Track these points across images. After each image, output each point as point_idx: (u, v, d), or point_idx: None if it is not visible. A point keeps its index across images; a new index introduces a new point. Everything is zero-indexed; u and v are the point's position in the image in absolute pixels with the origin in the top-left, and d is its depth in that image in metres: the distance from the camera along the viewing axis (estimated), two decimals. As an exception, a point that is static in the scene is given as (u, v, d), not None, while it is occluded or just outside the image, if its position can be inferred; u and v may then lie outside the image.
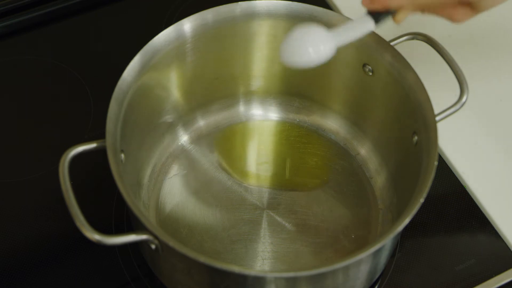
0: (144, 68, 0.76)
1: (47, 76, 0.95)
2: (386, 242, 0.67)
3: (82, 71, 0.94)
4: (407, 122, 0.76)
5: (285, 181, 0.84)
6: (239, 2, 0.79)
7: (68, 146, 0.70)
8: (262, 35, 0.82)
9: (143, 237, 0.66)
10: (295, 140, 0.87)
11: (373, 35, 0.78)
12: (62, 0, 1.00)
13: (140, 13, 1.02)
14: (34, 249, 0.80)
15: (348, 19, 0.79)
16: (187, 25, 0.78)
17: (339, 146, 0.86)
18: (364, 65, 0.80)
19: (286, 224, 0.80)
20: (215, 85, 0.85)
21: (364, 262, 0.70)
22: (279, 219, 0.80)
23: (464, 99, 0.76)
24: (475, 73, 0.92)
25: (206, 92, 0.85)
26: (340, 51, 0.81)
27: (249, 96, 0.88)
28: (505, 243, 0.81)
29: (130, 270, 0.79)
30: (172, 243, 0.64)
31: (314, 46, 0.70)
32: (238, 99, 0.88)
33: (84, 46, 0.98)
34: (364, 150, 0.85)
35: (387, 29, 0.81)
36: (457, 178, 0.86)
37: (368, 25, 0.70)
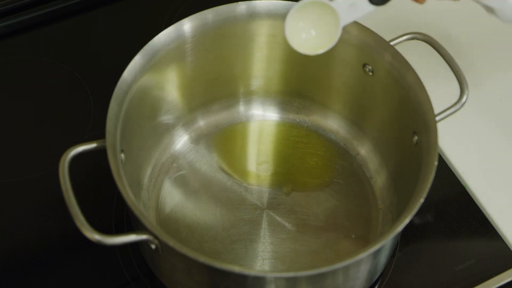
0: (144, 68, 0.76)
1: (47, 76, 0.95)
2: (386, 242, 0.67)
3: (82, 71, 0.94)
4: (407, 122, 0.76)
5: (285, 181, 0.84)
6: (239, 2, 0.79)
7: (68, 146, 0.70)
8: (262, 35, 0.82)
9: (143, 237, 0.66)
10: (295, 140, 0.87)
11: (373, 35, 0.78)
12: (62, 0, 1.00)
13: (140, 13, 1.02)
14: (34, 249, 0.80)
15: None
16: (187, 25, 0.78)
17: (339, 146, 0.86)
18: (364, 65, 0.80)
19: (286, 224, 0.80)
20: (215, 85, 0.85)
21: (364, 262, 0.70)
22: (279, 219, 0.80)
23: (464, 99, 0.76)
24: (475, 73, 0.92)
25: (206, 92, 0.85)
26: (340, 51, 0.81)
27: (249, 96, 0.88)
28: (505, 243, 0.81)
29: (130, 270, 0.79)
30: (172, 243, 0.64)
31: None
32: (238, 99, 0.88)
33: (84, 46, 0.98)
34: (364, 150, 0.85)
35: (387, 29, 0.82)
36: (457, 178, 0.86)
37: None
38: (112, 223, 0.81)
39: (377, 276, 0.76)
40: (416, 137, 0.75)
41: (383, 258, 0.74)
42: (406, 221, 0.66)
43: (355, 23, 0.79)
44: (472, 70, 0.91)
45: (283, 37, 0.82)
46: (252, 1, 0.79)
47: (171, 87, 0.82)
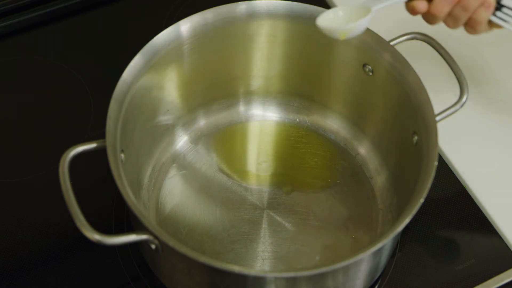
0: (144, 68, 0.76)
1: (47, 76, 0.95)
2: (386, 242, 0.67)
3: (82, 71, 0.95)
4: (407, 122, 0.76)
5: (285, 181, 0.84)
6: (239, 2, 0.79)
7: (68, 146, 0.70)
8: (262, 35, 0.82)
9: (143, 237, 0.66)
10: (295, 140, 0.87)
11: (373, 35, 0.78)
12: (62, 0, 1.00)
13: (140, 13, 1.02)
14: (34, 249, 0.80)
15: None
16: (187, 25, 0.78)
17: (339, 146, 0.86)
18: (364, 65, 0.80)
19: (286, 224, 0.80)
20: (215, 85, 0.85)
21: (364, 262, 0.70)
22: (279, 219, 0.80)
23: (464, 99, 0.76)
24: (475, 73, 0.92)
25: (206, 92, 0.85)
26: (340, 51, 0.81)
27: (249, 96, 0.88)
28: (505, 243, 0.82)
29: (130, 270, 0.79)
30: (172, 243, 0.64)
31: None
32: (238, 99, 0.88)
33: (84, 46, 0.98)
34: (364, 150, 0.85)
35: (387, 29, 0.82)
36: (457, 178, 0.86)
37: None
38: (112, 223, 0.81)
39: (377, 276, 0.76)
40: (416, 137, 0.75)
41: (383, 258, 0.74)
42: (406, 221, 0.66)
43: (355, 23, 0.79)
44: (472, 70, 0.91)
45: (283, 37, 0.82)
46: (252, 1, 0.79)
47: (171, 87, 0.82)
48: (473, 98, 0.83)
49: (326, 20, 0.73)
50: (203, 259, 0.64)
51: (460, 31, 0.97)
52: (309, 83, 0.86)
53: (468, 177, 0.86)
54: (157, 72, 0.78)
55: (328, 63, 0.83)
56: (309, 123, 0.88)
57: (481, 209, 0.84)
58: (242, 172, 0.84)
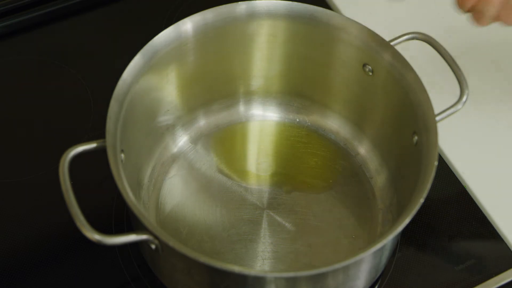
0: (144, 68, 0.76)
1: (47, 76, 0.95)
2: (386, 242, 0.67)
3: (82, 71, 0.94)
4: (407, 122, 0.76)
5: (285, 181, 0.84)
6: (239, 2, 0.79)
7: (68, 146, 0.70)
8: (262, 35, 0.82)
9: (143, 237, 0.66)
10: (295, 140, 0.87)
11: (373, 35, 0.78)
12: (62, 0, 1.00)
13: (140, 13, 1.02)
14: (34, 249, 0.80)
15: (348, 19, 0.79)
16: (187, 25, 0.78)
17: (339, 146, 0.86)
18: (364, 65, 0.80)
19: (286, 224, 0.80)
20: (215, 85, 0.85)
21: (364, 262, 0.70)
22: (279, 219, 0.80)
23: (464, 99, 0.76)
24: (475, 73, 0.92)
25: (206, 92, 0.85)
26: (340, 51, 0.81)
27: (249, 96, 0.88)
28: (505, 243, 0.82)
29: (130, 270, 0.79)
30: (172, 243, 0.64)
31: None
32: (238, 99, 0.88)
33: (84, 46, 0.98)
34: (364, 150, 0.85)
35: (387, 29, 0.82)
36: (457, 178, 0.86)
37: None
38: (112, 223, 0.81)
39: (377, 276, 0.76)
40: (416, 137, 0.75)
41: (383, 258, 0.74)
42: (406, 221, 0.66)
43: (355, 23, 0.79)
44: (472, 70, 0.91)
45: (283, 37, 0.82)
46: (252, 1, 0.79)
47: (171, 87, 0.82)
48: (473, 98, 0.83)
49: None
50: (203, 259, 0.64)
51: (460, 31, 0.97)
52: (309, 83, 0.86)
53: (468, 177, 0.86)
54: (157, 72, 0.78)
55: (328, 63, 0.83)
56: (309, 123, 0.88)
57: (481, 209, 0.84)
58: (242, 172, 0.84)
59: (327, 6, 1.00)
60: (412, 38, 0.80)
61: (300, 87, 0.87)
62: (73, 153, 0.69)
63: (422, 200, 0.67)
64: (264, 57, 0.84)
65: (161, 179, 0.83)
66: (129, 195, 0.67)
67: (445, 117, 0.76)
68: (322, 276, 0.67)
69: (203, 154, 0.86)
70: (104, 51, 0.97)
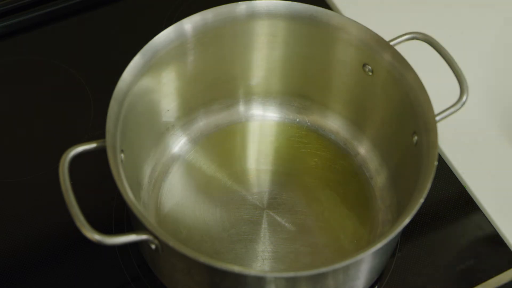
0: (144, 68, 0.76)
1: (47, 76, 0.95)
2: (386, 242, 0.67)
3: (82, 71, 0.94)
4: (407, 122, 0.76)
5: (285, 181, 0.84)
6: (239, 2, 0.79)
7: (68, 146, 0.70)
8: (262, 35, 0.82)
9: (143, 237, 0.66)
10: (295, 140, 0.87)
11: (373, 35, 0.78)
12: (62, 0, 1.00)
13: (140, 13, 1.02)
14: (34, 249, 0.80)
15: (348, 19, 0.79)
16: (187, 25, 0.78)
17: (339, 146, 0.86)
18: (364, 65, 0.80)
19: (286, 224, 0.80)
20: (215, 85, 0.85)
21: (364, 262, 0.70)
22: (279, 219, 0.80)
23: (464, 99, 0.76)
24: (475, 73, 0.92)
25: (206, 92, 0.85)
26: (340, 51, 0.81)
27: (249, 96, 0.88)
28: (505, 243, 0.82)
29: (130, 270, 0.79)
30: (172, 243, 0.64)
31: None
32: (238, 99, 0.88)
33: (84, 46, 0.98)
34: (364, 150, 0.85)
35: (387, 29, 0.82)
36: (457, 178, 0.86)
37: None
38: (112, 223, 0.81)
39: (377, 276, 0.76)
40: (416, 137, 0.75)
41: (383, 258, 0.74)
42: (406, 221, 0.66)
43: (355, 23, 0.79)
44: (472, 70, 0.91)
45: (283, 37, 0.82)
46: (252, 1, 0.79)
47: (171, 87, 0.82)
48: (473, 98, 0.83)
49: None
50: (203, 259, 0.64)
51: (460, 31, 0.97)
52: (309, 83, 0.86)
53: (468, 177, 0.86)
54: (157, 72, 0.78)
55: (328, 63, 0.83)
56: (309, 123, 0.88)
57: (481, 209, 0.84)
58: (242, 172, 0.84)
59: (327, 6, 1.00)
60: (412, 38, 0.80)
61: (300, 87, 0.87)
62: (73, 153, 0.69)
63: (422, 200, 0.67)
64: (264, 57, 0.84)
65: (161, 179, 0.83)
66: (129, 195, 0.67)
67: (445, 117, 0.76)
68: (322, 276, 0.67)
69: (203, 154, 0.86)
70: (104, 51, 0.97)
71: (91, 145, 0.70)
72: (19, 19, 0.99)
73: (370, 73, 0.80)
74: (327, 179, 0.84)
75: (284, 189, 0.83)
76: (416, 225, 0.82)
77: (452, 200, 0.85)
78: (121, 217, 0.82)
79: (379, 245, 0.66)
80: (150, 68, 0.76)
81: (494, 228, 0.83)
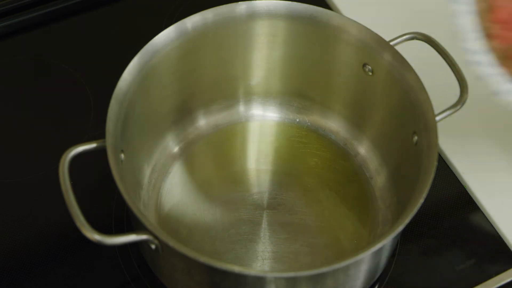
0: (144, 68, 0.76)
1: (47, 76, 0.95)
2: (386, 242, 0.67)
3: (82, 71, 0.94)
4: (407, 122, 0.76)
5: (285, 181, 0.84)
6: (239, 2, 0.79)
7: (68, 146, 0.70)
8: (262, 35, 0.82)
9: (143, 237, 0.66)
10: (295, 140, 0.87)
11: (373, 35, 0.78)
12: (62, 0, 1.00)
13: (140, 13, 1.02)
14: (34, 249, 0.80)
15: (348, 19, 0.79)
16: (187, 25, 0.78)
17: (339, 146, 0.86)
18: (364, 65, 0.80)
19: (286, 224, 0.80)
20: (215, 85, 0.85)
21: (364, 262, 0.70)
22: (279, 219, 0.80)
23: (464, 99, 0.76)
24: (475, 73, 0.92)
25: (206, 92, 0.85)
26: (340, 51, 0.81)
27: (249, 96, 0.88)
28: (505, 243, 0.82)
29: (130, 270, 0.79)
30: (172, 243, 0.64)
31: None
32: (238, 99, 0.88)
33: (84, 46, 0.98)
34: (364, 150, 0.85)
35: (387, 29, 0.82)
36: (457, 178, 0.86)
37: None
38: (112, 223, 0.81)
39: (377, 276, 0.76)
40: (416, 137, 0.75)
41: (383, 258, 0.74)
42: (406, 221, 0.66)
43: (355, 23, 0.79)
44: (472, 70, 0.91)
45: (283, 37, 0.82)
46: (252, 1, 0.79)
47: (171, 87, 0.82)
48: (473, 98, 0.83)
49: None
50: (203, 259, 0.64)
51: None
52: (309, 83, 0.86)
53: (468, 177, 0.86)
54: (157, 72, 0.78)
55: (328, 63, 0.83)
56: (309, 123, 0.88)
57: (481, 209, 0.84)
58: (242, 172, 0.84)
59: (327, 6, 1.00)
60: (412, 38, 0.80)
61: (300, 87, 0.87)
62: (73, 153, 0.69)
63: (422, 200, 0.67)
64: (264, 57, 0.84)
65: (161, 179, 0.83)
66: (129, 195, 0.67)
67: (445, 117, 0.76)
68: (322, 276, 0.67)
69: (203, 154, 0.86)
70: (104, 51, 0.97)
71: (91, 145, 0.70)
72: (19, 19, 0.99)
73: (370, 73, 0.80)
74: (327, 179, 0.84)
75: (284, 189, 0.83)
76: (416, 225, 0.82)
77: (452, 200, 0.85)
78: (121, 217, 0.82)
79: (379, 245, 0.66)
80: (150, 68, 0.76)
81: (494, 228, 0.82)
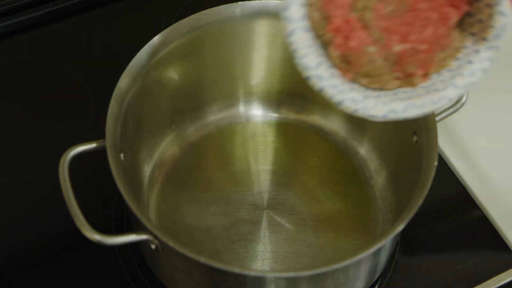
0: (144, 68, 0.76)
1: (47, 76, 0.95)
2: (386, 242, 0.67)
3: (82, 71, 0.94)
4: (407, 122, 0.76)
5: (285, 181, 0.84)
6: (239, 2, 0.79)
7: (68, 146, 0.70)
8: (262, 35, 0.82)
9: (143, 237, 0.66)
10: (295, 140, 0.87)
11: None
12: (62, 0, 1.00)
13: (140, 13, 1.02)
14: (34, 249, 0.80)
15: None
16: (187, 25, 0.78)
17: (339, 146, 0.86)
18: (364, 65, 0.80)
19: (286, 224, 0.80)
20: (215, 85, 0.85)
21: (364, 262, 0.70)
22: (279, 219, 0.80)
23: (464, 99, 0.76)
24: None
25: (206, 92, 0.85)
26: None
27: (249, 96, 0.88)
28: (505, 243, 0.81)
29: (130, 270, 0.79)
30: (172, 243, 0.64)
31: None
32: (238, 99, 0.88)
33: (84, 46, 0.98)
34: (364, 150, 0.85)
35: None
36: (457, 178, 0.86)
37: None
38: (112, 223, 0.81)
39: (377, 276, 0.76)
40: (416, 137, 0.75)
41: (383, 258, 0.74)
42: (406, 221, 0.66)
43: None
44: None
45: (283, 37, 0.82)
46: (252, 1, 0.79)
47: (171, 87, 0.82)
48: (473, 98, 0.83)
49: None
50: (203, 259, 0.64)
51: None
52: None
53: (468, 177, 0.86)
54: (157, 72, 0.78)
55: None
56: (309, 123, 0.88)
57: (481, 209, 0.84)
58: (242, 172, 0.84)
59: (327, 6, 1.00)
60: (412, 38, 0.80)
61: (300, 87, 0.87)
62: (73, 153, 0.69)
63: (422, 200, 0.67)
64: (264, 57, 0.84)
65: (161, 179, 0.83)
66: (129, 195, 0.67)
67: (445, 117, 0.76)
68: (322, 276, 0.67)
69: (203, 154, 0.86)
70: (104, 51, 0.97)
71: (91, 145, 0.70)
72: (19, 19, 0.99)
73: (370, 73, 0.80)
74: (327, 179, 0.84)
75: (284, 189, 0.83)
76: (416, 225, 0.82)
77: (452, 200, 0.85)
78: (121, 217, 0.82)
79: (379, 245, 0.66)
80: (150, 68, 0.76)
81: (494, 228, 0.82)
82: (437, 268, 0.80)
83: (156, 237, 0.66)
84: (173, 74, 0.81)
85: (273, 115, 0.88)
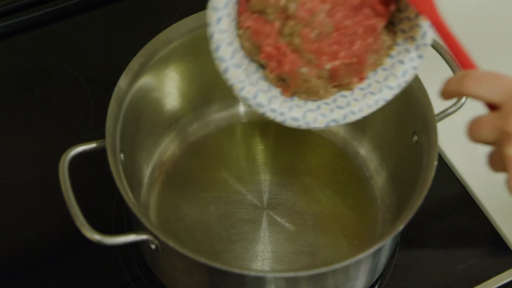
0: (144, 68, 0.76)
1: (47, 76, 0.95)
2: (386, 242, 0.67)
3: (82, 71, 0.94)
4: (407, 122, 0.76)
5: (285, 181, 0.84)
6: (239, 2, 0.79)
7: (68, 146, 0.70)
8: (262, 35, 0.82)
9: (143, 237, 0.66)
10: (295, 140, 0.87)
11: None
12: (62, 0, 1.01)
13: (140, 13, 1.02)
14: (34, 249, 0.80)
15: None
16: (187, 25, 0.78)
17: (339, 146, 0.86)
18: (364, 65, 0.80)
19: (286, 224, 0.80)
20: (215, 85, 0.85)
21: (364, 262, 0.70)
22: (279, 219, 0.80)
23: (464, 99, 0.76)
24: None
25: (206, 92, 0.85)
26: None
27: (249, 96, 0.87)
28: (505, 243, 0.82)
29: (130, 270, 0.79)
30: (172, 243, 0.64)
31: None
32: (238, 99, 0.87)
33: (84, 46, 0.98)
34: (364, 150, 0.85)
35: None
36: (457, 178, 0.86)
37: None
38: (112, 223, 0.81)
39: (377, 276, 0.76)
40: (416, 137, 0.75)
41: (383, 258, 0.74)
42: (406, 221, 0.66)
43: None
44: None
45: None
46: (252, 1, 0.79)
47: (170, 87, 0.82)
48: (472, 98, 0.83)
49: None
50: (203, 259, 0.64)
51: (459, 31, 0.97)
52: (309, 83, 0.86)
53: (468, 177, 0.86)
54: (157, 72, 0.78)
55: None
56: (309, 123, 0.88)
57: (481, 209, 0.84)
58: (241, 172, 0.84)
59: (327, 6, 1.00)
60: (412, 38, 0.80)
61: (300, 87, 0.87)
62: (73, 153, 0.69)
63: (422, 200, 0.67)
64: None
65: (161, 179, 0.83)
66: (129, 195, 0.67)
67: (445, 117, 0.76)
68: (322, 276, 0.67)
69: (203, 154, 0.86)
70: (104, 51, 0.97)
71: (91, 145, 0.70)
72: (19, 19, 0.99)
73: (370, 73, 0.80)
74: (327, 179, 0.84)
75: (284, 189, 0.83)
76: (416, 225, 0.82)
77: (452, 200, 0.85)
78: (121, 217, 0.82)
79: (379, 245, 0.66)
80: (150, 68, 0.76)
81: (494, 228, 0.82)
82: (437, 268, 0.80)
83: (156, 237, 0.66)
84: (172, 74, 0.81)
85: (273, 115, 0.88)
